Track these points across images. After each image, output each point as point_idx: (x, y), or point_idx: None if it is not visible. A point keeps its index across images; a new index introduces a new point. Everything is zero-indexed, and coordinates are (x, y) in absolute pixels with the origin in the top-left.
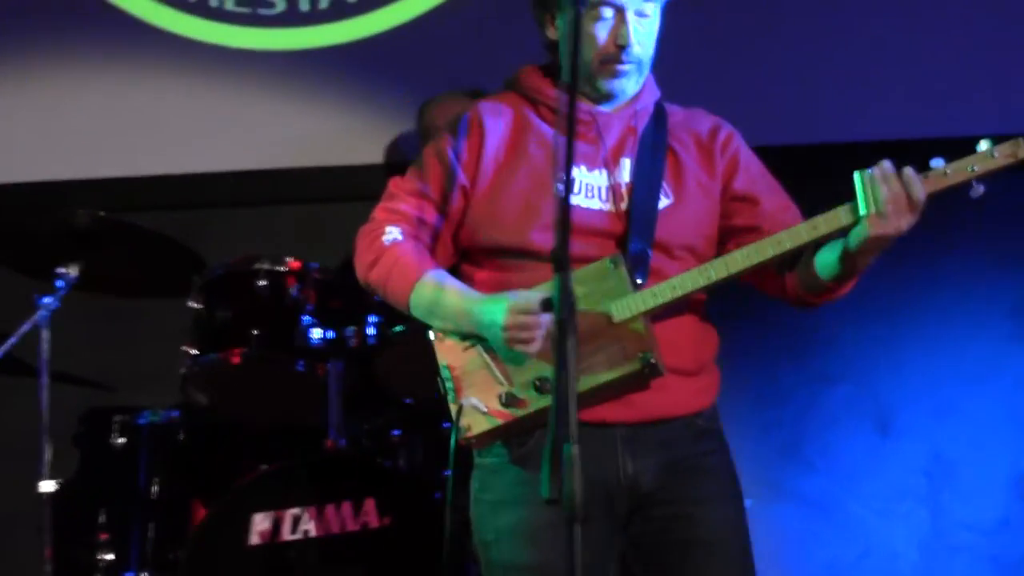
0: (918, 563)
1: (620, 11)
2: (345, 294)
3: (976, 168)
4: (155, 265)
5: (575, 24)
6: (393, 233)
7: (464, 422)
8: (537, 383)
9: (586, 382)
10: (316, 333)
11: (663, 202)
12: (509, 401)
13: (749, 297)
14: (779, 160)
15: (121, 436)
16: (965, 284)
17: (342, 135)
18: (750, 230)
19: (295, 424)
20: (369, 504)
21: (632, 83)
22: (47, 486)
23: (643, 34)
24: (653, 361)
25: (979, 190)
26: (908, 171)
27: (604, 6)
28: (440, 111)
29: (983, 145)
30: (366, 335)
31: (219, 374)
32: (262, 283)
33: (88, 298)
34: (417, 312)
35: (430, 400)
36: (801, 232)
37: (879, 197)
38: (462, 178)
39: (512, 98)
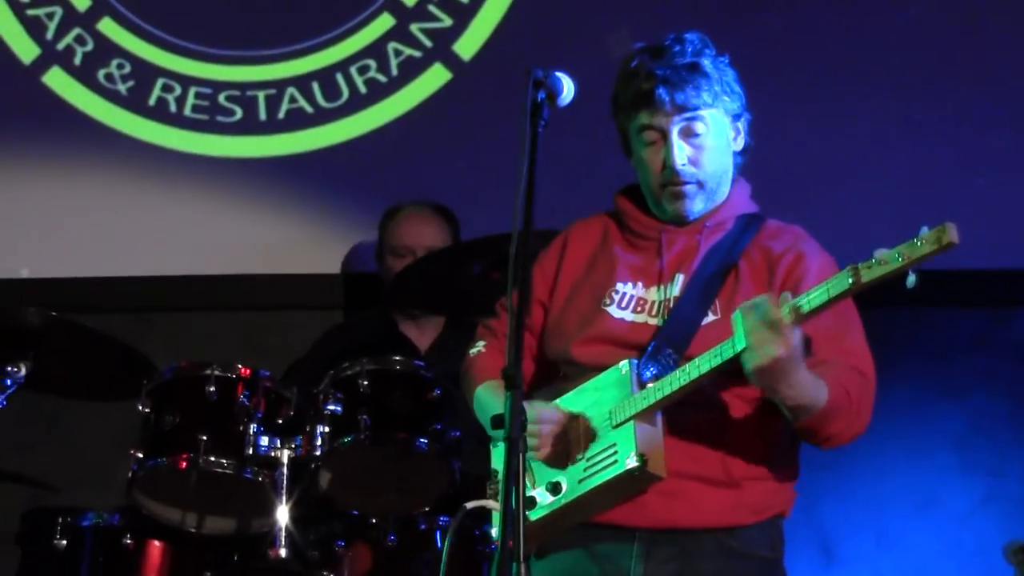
0: None
1: (663, 133)
2: (294, 404)
3: (904, 257)
4: (104, 366)
5: (531, 142)
6: (479, 346)
7: (494, 529)
8: (550, 485)
9: (584, 486)
10: (264, 441)
11: (709, 318)
12: (528, 504)
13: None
14: None
15: (64, 538)
16: (911, 413)
17: (298, 243)
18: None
19: (241, 532)
20: None
21: (698, 202)
22: None
23: (698, 153)
24: (636, 463)
25: (911, 279)
26: (764, 299)
27: (649, 130)
28: (407, 227)
29: (921, 232)
30: (314, 445)
31: (166, 478)
32: (211, 389)
33: (36, 397)
34: (479, 418)
35: (376, 512)
36: (704, 360)
37: (745, 332)
38: (541, 293)
39: (604, 218)
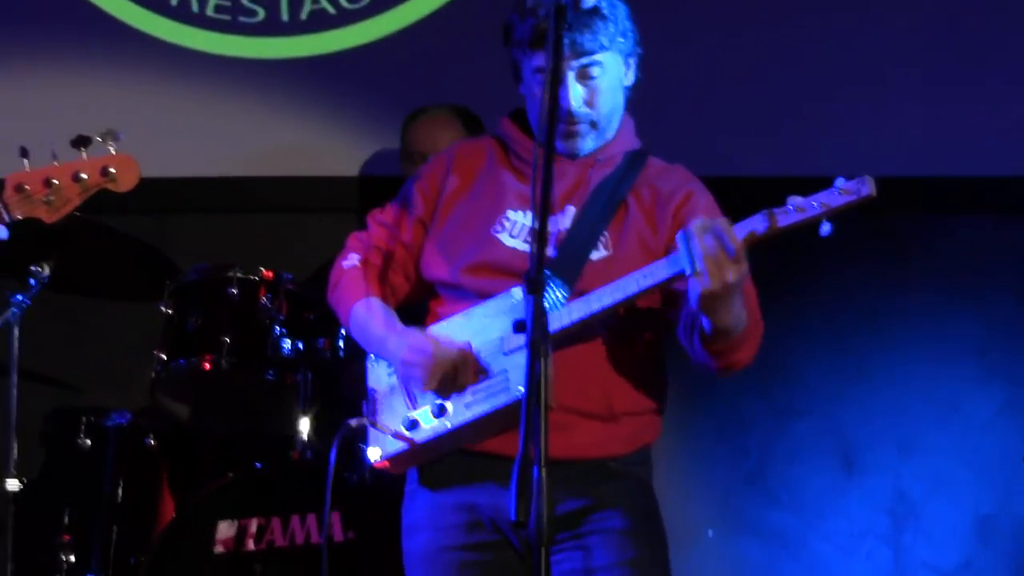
0: None
1: (555, 75)
2: (317, 305)
3: (818, 204)
4: (128, 267)
5: (555, 44)
6: (352, 259)
7: (370, 449)
8: (436, 408)
9: (471, 411)
10: (287, 343)
11: (599, 253)
12: (412, 425)
13: None
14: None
15: (88, 437)
16: (932, 321)
17: (320, 146)
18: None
19: (263, 433)
20: (335, 518)
21: (588, 141)
22: (12, 484)
23: (593, 93)
24: (520, 392)
25: (826, 228)
26: (718, 223)
27: (541, 72)
28: (423, 127)
29: (837, 182)
30: (337, 347)
31: (189, 380)
32: (234, 291)
33: (60, 298)
34: (352, 334)
35: None
36: (631, 281)
37: (695, 255)
38: (420, 212)
39: (490, 142)
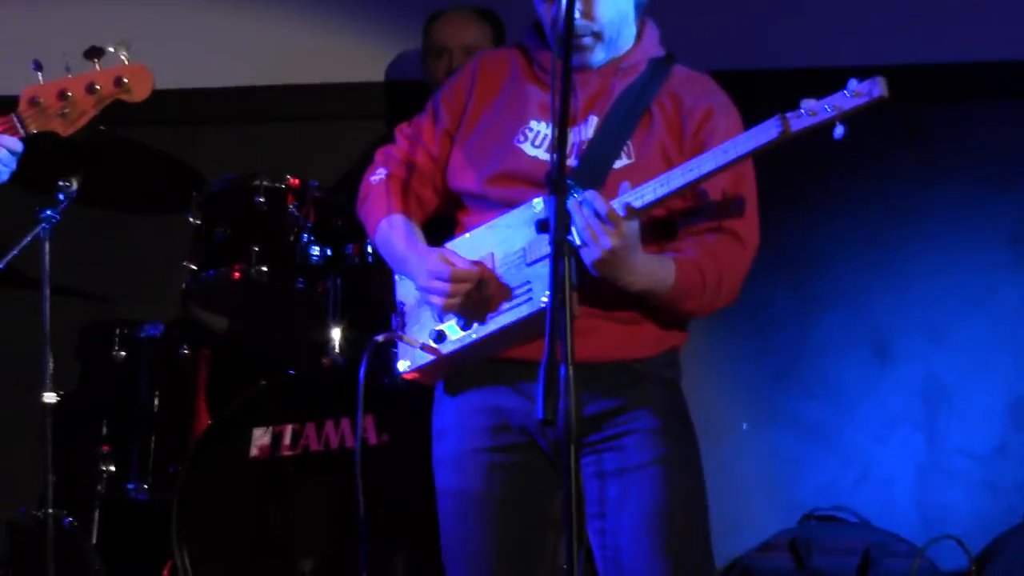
0: (914, 488)
1: None
2: (344, 212)
3: (831, 107)
4: (154, 180)
5: None
6: (380, 174)
7: (400, 361)
8: (461, 320)
9: (496, 322)
10: (315, 250)
11: (621, 161)
12: (438, 337)
13: None
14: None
15: (122, 349)
16: (964, 210)
17: (344, 52)
18: (687, 213)
19: (295, 340)
20: (368, 421)
21: (598, 52)
22: (49, 397)
23: (590, 5)
24: (544, 302)
25: (839, 130)
26: (589, 194)
27: None
28: (448, 21)
29: (849, 84)
30: (365, 252)
31: (219, 290)
32: (261, 200)
33: (88, 212)
34: (378, 250)
35: None
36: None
37: (577, 229)
38: (447, 124)
39: (515, 53)
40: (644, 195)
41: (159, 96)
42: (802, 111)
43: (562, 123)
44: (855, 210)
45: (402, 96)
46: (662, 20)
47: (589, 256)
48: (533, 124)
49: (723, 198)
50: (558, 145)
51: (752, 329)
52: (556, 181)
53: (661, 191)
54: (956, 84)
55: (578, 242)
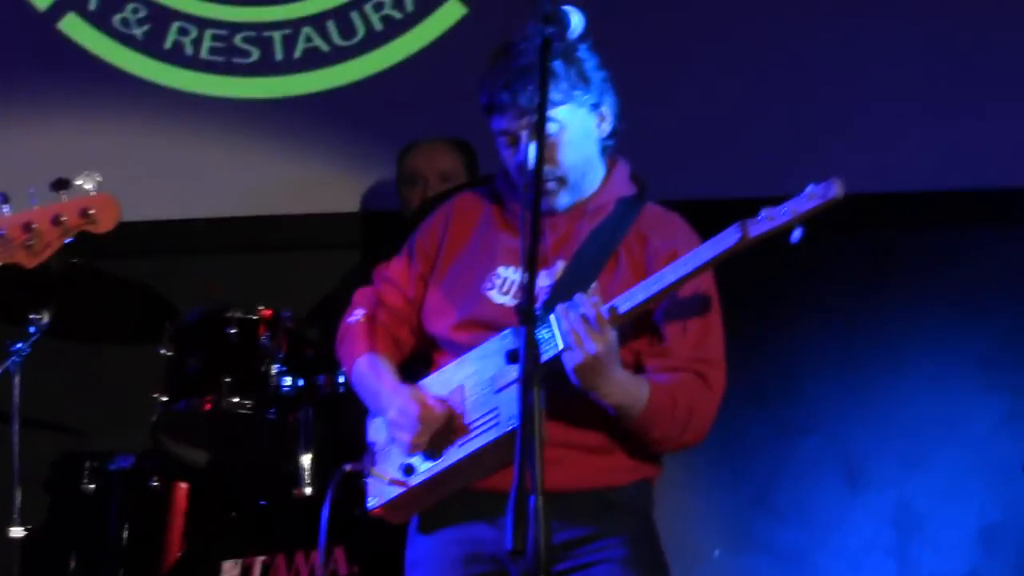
0: None
1: (513, 136)
2: (316, 343)
3: (789, 211)
4: (126, 311)
5: (542, 76)
6: (357, 315)
7: (369, 499)
8: (429, 452)
9: (465, 449)
10: (287, 381)
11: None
12: (407, 471)
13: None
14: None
15: (92, 482)
16: (935, 335)
17: (318, 183)
18: (655, 354)
19: (266, 471)
20: (338, 552)
21: (563, 198)
22: (17, 531)
23: (553, 151)
24: (511, 426)
25: (797, 234)
26: (576, 298)
27: (503, 135)
28: (421, 154)
29: (807, 189)
30: (337, 383)
31: (190, 421)
32: (233, 331)
33: (59, 344)
34: (355, 389)
35: None
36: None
37: (561, 332)
38: (421, 268)
39: (487, 196)
40: (624, 302)
41: (132, 227)
42: (760, 217)
43: (532, 249)
44: (829, 334)
45: (376, 226)
46: (642, 152)
47: (571, 360)
48: (501, 270)
49: (691, 336)
50: (527, 271)
51: (726, 455)
52: (525, 310)
53: (626, 306)
54: (928, 212)
55: (561, 346)
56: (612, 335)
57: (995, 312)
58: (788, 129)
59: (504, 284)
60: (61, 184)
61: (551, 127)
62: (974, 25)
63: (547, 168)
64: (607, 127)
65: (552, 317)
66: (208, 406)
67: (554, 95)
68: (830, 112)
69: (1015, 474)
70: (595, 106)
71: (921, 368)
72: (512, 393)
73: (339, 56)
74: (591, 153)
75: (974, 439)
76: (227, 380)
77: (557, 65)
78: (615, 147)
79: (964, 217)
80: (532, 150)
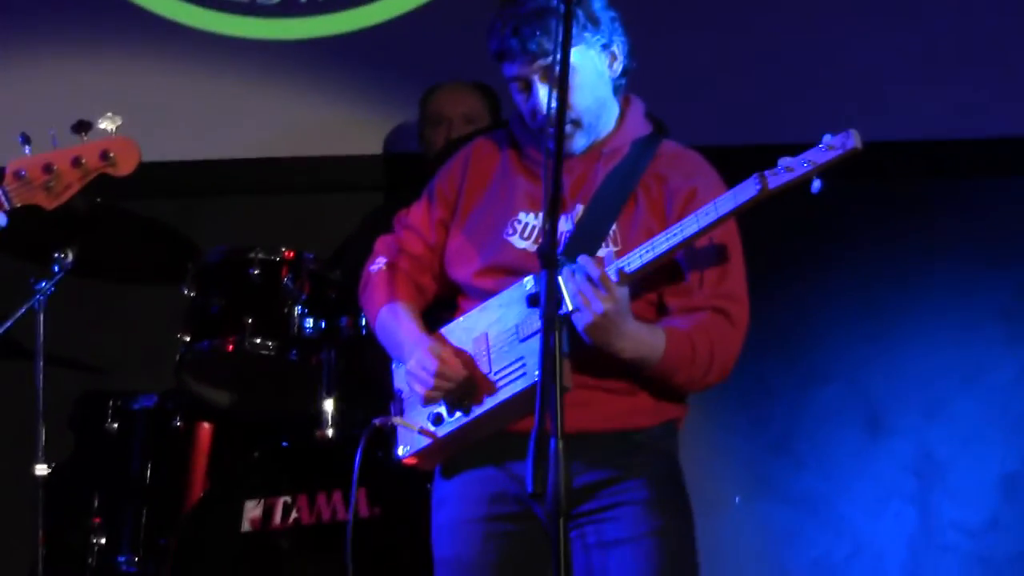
0: (907, 563)
1: (526, 81)
2: (339, 284)
3: (807, 163)
4: (150, 251)
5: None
6: (379, 263)
7: (399, 447)
8: (456, 404)
9: (493, 399)
10: (310, 323)
11: (606, 249)
12: (436, 420)
13: None
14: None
15: (115, 421)
16: (957, 285)
17: (340, 125)
18: (677, 292)
19: (288, 412)
20: (360, 494)
21: (579, 139)
22: (41, 469)
23: (571, 94)
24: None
25: (816, 184)
26: (582, 259)
27: (514, 81)
28: (445, 96)
29: (824, 139)
30: (360, 325)
31: (213, 361)
32: (256, 272)
33: (83, 283)
34: (378, 339)
35: None
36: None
37: (569, 294)
38: (441, 213)
39: (505, 140)
40: (631, 261)
41: (155, 168)
42: (779, 168)
43: (555, 195)
44: (851, 283)
45: (398, 168)
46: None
47: (581, 321)
48: (521, 216)
49: (713, 275)
50: (549, 217)
51: (746, 402)
52: (547, 255)
53: (647, 256)
54: (957, 160)
55: (571, 308)
56: (621, 292)
57: (1018, 263)
58: (804, 76)
59: (525, 229)
60: (82, 126)
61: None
62: None
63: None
64: (619, 67)
65: (560, 278)
66: (231, 347)
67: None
68: (847, 60)
69: None
70: (605, 46)
71: (943, 317)
72: (537, 342)
73: None
74: (604, 94)
75: (995, 389)
76: (250, 321)
77: (561, 6)
78: (627, 85)
79: (988, 167)
80: (544, 94)
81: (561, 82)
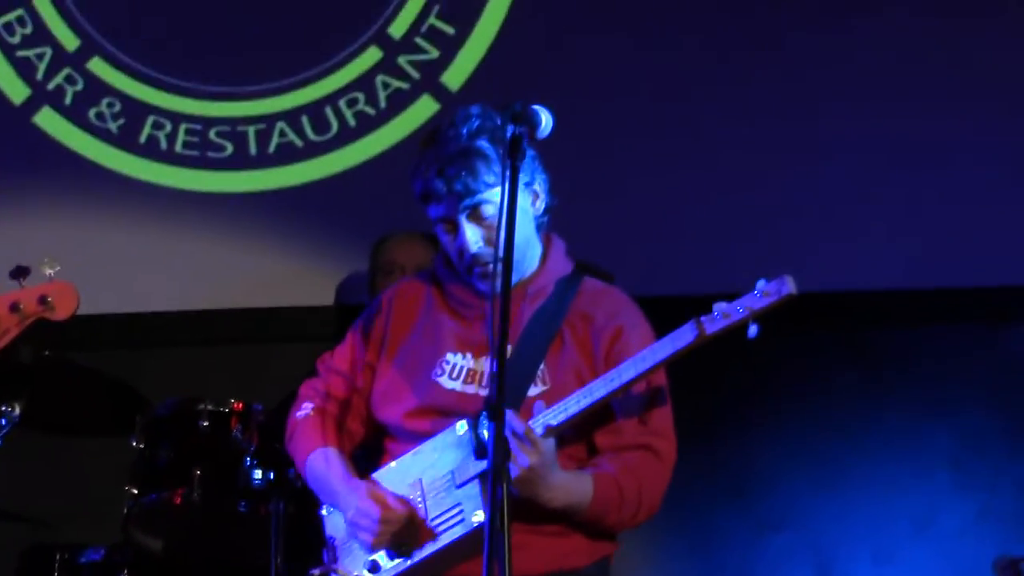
0: None
1: (452, 222)
2: None
3: (743, 308)
4: (98, 403)
5: (511, 175)
6: (305, 408)
7: None
8: (394, 550)
9: (430, 546)
10: (258, 474)
11: (536, 388)
12: (373, 568)
13: (691, 440)
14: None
15: (62, 574)
16: (905, 432)
17: (290, 276)
18: (604, 432)
19: (237, 565)
20: None
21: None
22: None
23: (492, 232)
24: (477, 522)
25: (753, 330)
26: (507, 415)
27: (441, 222)
28: (398, 245)
29: (758, 284)
30: None
31: (161, 514)
32: (205, 424)
33: (30, 435)
34: (309, 484)
35: None
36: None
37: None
38: (367, 356)
39: (427, 282)
40: (568, 407)
41: (105, 320)
42: (716, 314)
43: (500, 351)
44: (802, 432)
45: (349, 319)
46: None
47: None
48: (449, 357)
49: (642, 413)
50: (497, 372)
51: (699, 548)
52: (494, 407)
53: (584, 402)
54: (900, 310)
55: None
56: (547, 445)
57: (966, 411)
58: (741, 224)
59: (454, 370)
60: (20, 272)
61: (487, 209)
62: (932, 126)
63: (488, 249)
64: (541, 204)
65: (483, 432)
66: (179, 499)
67: (487, 177)
68: (787, 208)
69: (985, 573)
70: (528, 184)
71: (892, 465)
72: (474, 488)
73: (313, 151)
74: (529, 232)
75: (944, 536)
76: (198, 473)
77: (486, 147)
78: (549, 224)
79: (933, 315)
80: (471, 233)
81: (508, 225)
